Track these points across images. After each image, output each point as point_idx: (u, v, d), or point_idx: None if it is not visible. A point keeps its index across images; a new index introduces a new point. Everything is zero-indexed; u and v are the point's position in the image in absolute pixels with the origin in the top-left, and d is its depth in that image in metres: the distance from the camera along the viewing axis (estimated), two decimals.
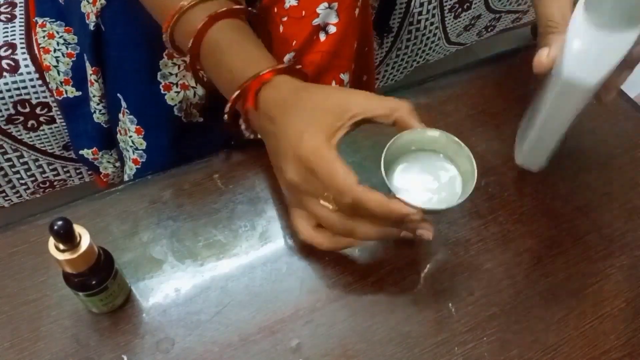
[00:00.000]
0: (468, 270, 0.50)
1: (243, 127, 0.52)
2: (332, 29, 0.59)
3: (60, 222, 0.37)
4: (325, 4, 0.57)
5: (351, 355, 0.45)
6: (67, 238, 0.38)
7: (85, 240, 0.39)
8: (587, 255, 0.52)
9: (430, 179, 0.46)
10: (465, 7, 1.00)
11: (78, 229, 0.39)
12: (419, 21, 0.96)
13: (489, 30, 1.14)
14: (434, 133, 0.46)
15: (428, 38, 1.01)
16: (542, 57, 0.47)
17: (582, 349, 0.47)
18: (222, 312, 0.46)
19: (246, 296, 0.47)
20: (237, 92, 0.48)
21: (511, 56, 0.68)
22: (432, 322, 0.47)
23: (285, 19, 0.59)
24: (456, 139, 0.46)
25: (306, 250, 0.50)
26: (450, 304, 0.48)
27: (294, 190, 0.46)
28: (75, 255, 0.39)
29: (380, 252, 0.51)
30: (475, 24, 1.08)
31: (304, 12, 0.58)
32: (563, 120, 0.47)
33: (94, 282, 0.42)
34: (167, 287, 0.47)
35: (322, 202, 0.44)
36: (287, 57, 0.59)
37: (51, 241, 0.38)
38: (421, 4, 0.92)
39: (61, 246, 0.38)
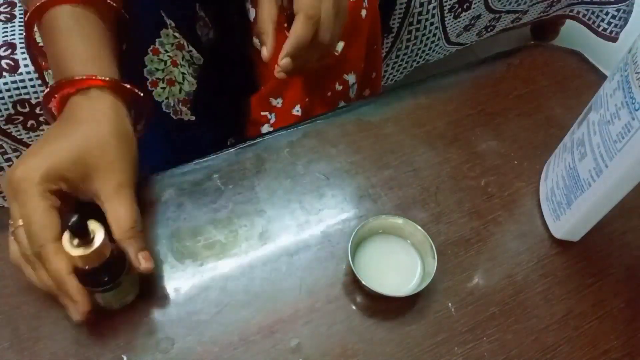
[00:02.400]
0: (468, 270, 0.50)
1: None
2: None
3: (75, 218, 0.37)
4: None
5: (351, 355, 0.45)
6: (83, 234, 0.38)
7: (99, 235, 0.39)
8: (587, 255, 0.52)
9: (394, 264, 0.49)
10: (465, 7, 1.00)
11: (92, 224, 0.39)
12: (419, 21, 0.96)
13: (489, 30, 1.14)
14: (397, 220, 0.49)
15: (428, 38, 1.01)
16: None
17: (582, 349, 0.47)
18: (222, 312, 0.46)
19: (246, 296, 0.47)
20: (47, 90, 0.45)
21: (511, 56, 0.68)
22: (432, 322, 0.47)
23: (286, 24, 0.59)
24: (419, 227, 0.48)
25: (306, 250, 0.50)
26: (450, 304, 0.48)
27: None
28: (89, 251, 0.39)
29: None
30: (475, 24, 1.08)
31: None
32: (633, 184, 0.43)
33: (106, 279, 0.42)
34: (166, 287, 0.47)
35: (10, 227, 0.42)
36: None
37: (65, 237, 0.39)
38: (421, 4, 0.92)
39: (76, 242, 0.38)
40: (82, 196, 0.44)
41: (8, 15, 0.76)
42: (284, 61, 0.52)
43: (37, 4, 0.45)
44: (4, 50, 0.72)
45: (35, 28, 0.51)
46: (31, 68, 0.71)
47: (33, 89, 0.72)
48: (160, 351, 0.44)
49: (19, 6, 0.77)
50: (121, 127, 0.45)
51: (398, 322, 0.47)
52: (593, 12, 1.22)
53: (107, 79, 0.45)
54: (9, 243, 0.44)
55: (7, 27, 0.74)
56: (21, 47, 0.72)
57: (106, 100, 0.45)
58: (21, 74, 0.71)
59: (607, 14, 1.20)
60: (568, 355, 0.46)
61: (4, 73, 0.71)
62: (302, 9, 0.51)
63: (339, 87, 0.62)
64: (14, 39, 0.73)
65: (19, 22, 0.75)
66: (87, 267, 0.40)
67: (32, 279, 0.43)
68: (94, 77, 0.44)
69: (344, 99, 0.63)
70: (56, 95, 0.45)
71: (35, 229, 0.40)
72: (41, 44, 0.69)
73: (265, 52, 0.53)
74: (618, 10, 1.18)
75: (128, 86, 0.47)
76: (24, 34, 0.50)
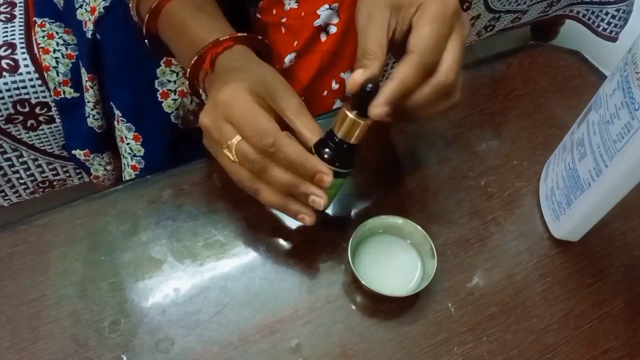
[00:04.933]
0: (468, 270, 0.50)
1: (203, 97, 0.52)
2: (333, 29, 0.59)
3: (372, 85, 0.41)
4: (326, 6, 0.57)
5: (350, 355, 0.45)
6: (369, 102, 0.42)
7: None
8: (587, 255, 0.52)
9: (394, 264, 0.49)
10: (464, 7, 0.99)
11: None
12: None
13: (488, 30, 1.14)
14: (397, 220, 0.49)
15: None
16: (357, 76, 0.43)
17: (581, 349, 0.47)
18: (222, 312, 0.46)
19: (246, 296, 0.47)
20: (195, 57, 0.49)
21: (511, 56, 0.68)
22: (431, 322, 0.47)
23: (284, 19, 0.59)
24: (419, 227, 0.48)
25: (306, 249, 0.50)
26: (450, 304, 0.48)
27: (205, 134, 0.47)
28: (365, 121, 0.42)
29: None
30: (475, 23, 1.08)
31: (303, 14, 0.58)
32: (633, 184, 0.43)
33: (344, 161, 0.45)
34: (166, 287, 0.47)
35: (224, 150, 0.45)
36: (288, 58, 0.60)
37: (347, 108, 0.43)
38: None
39: (353, 113, 0.42)
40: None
41: (8, 15, 0.76)
42: (379, 110, 0.42)
43: (152, 6, 0.51)
44: (4, 50, 0.72)
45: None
46: (31, 68, 0.71)
47: (33, 89, 0.72)
48: (160, 351, 0.44)
49: (19, 6, 0.77)
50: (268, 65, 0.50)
51: (398, 322, 0.47)
52: (593, 12, 1.22)
53: (243, 34, 0.50)
54: (233, 172, 0.46)
55: (7, 27, 0.74)
56: (21, 47, 0.72)
57: (247, 50, 0.50)
58: (21, 74, 0.71)
59: (607, 14, 1.20)
60: (568, 355, 0.46)
61: (4, 73, 0.71)
62: (420, 53, 0.43)
63: (335, 86, 0.62)
64: (14, 39, 0.73)
65: (19, 22, 0.75)
66: (353, 140, 0.43)
67: (266, 196, 0.45)
68: (233, 36, 0.50)
69: (341, 97, 0.63)
70: (207, 58, 0.49)
71: (263, 123, 0.43)
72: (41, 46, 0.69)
73: (359, 76, 0.43)
74: (618, 10, 1.18)
75: (259, 37, 0.53)
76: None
